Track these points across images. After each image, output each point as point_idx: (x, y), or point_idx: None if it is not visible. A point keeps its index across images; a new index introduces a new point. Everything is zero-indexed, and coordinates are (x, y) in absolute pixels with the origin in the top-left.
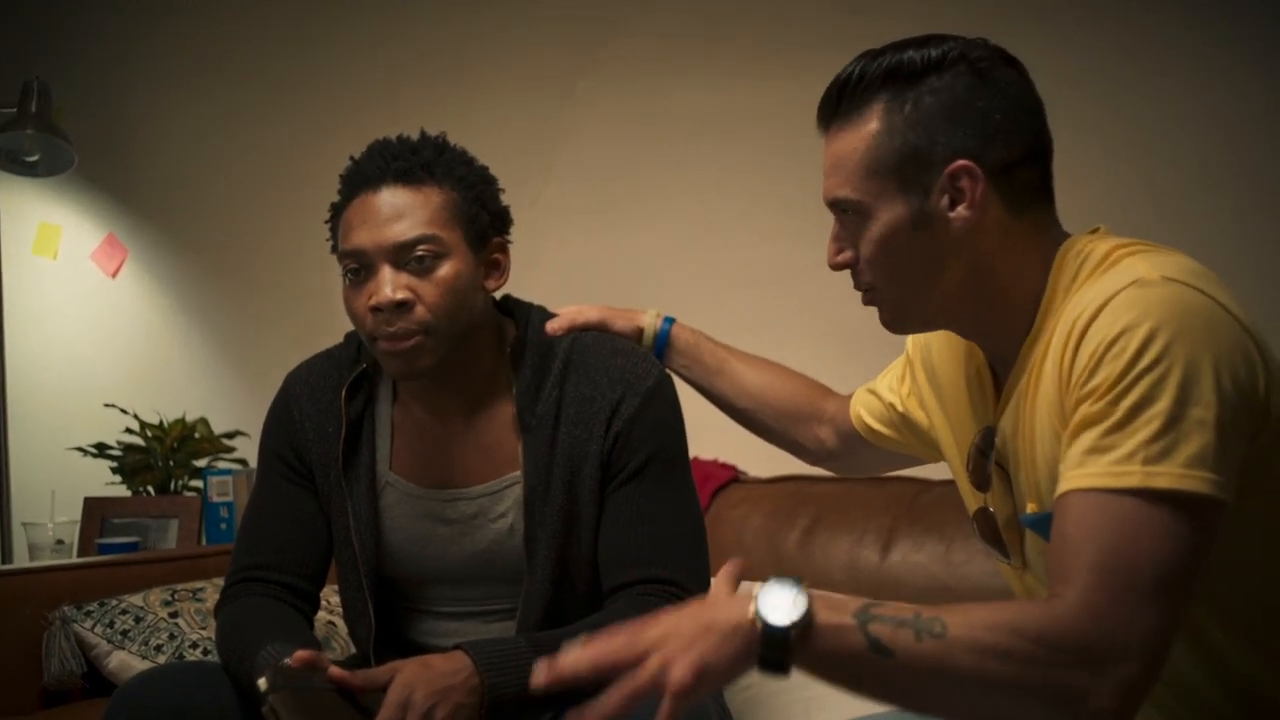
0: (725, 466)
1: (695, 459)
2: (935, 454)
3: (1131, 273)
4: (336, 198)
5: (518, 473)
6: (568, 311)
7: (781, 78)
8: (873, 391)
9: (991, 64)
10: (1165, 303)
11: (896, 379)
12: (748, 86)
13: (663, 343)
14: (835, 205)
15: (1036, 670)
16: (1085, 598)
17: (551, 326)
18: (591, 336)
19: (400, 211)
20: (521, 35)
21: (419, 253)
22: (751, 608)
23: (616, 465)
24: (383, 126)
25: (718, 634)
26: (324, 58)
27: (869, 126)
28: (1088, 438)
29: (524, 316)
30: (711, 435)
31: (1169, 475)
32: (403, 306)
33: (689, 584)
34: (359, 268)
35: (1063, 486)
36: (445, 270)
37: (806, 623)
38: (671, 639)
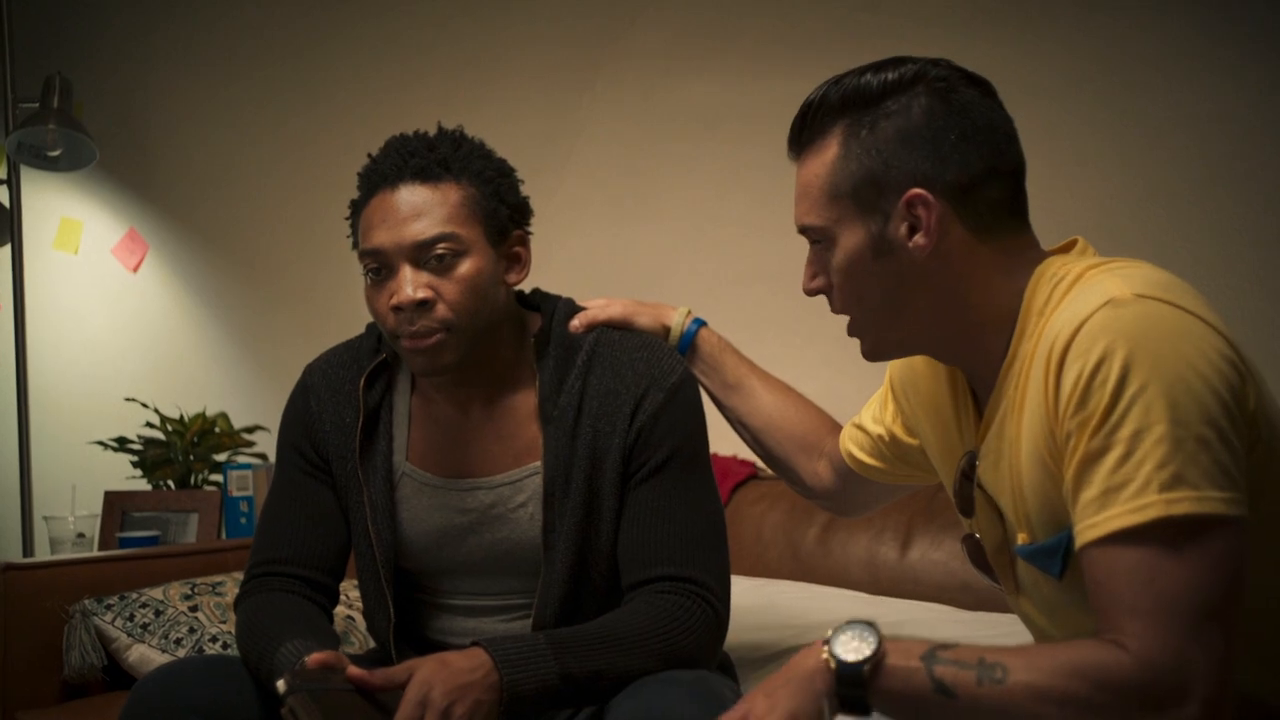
0: (744, 463)
1: (714, 455)
2: (929, 474)
3: (1104, 292)
4: (356, 193)
5: (537, 463)
6: (593, 305)
7: (794, 74)
8: (859, 426)
9: (950, 85)
10: (1141, 321)
11: (879, 408)
12: (760, 83)
13: (687, 345)
14: (804, 232)
15: (1095, 716)
16: (1140, 644)
17: (573, 325)
18: (617, 331)
19: (419, 210)
20: (534, 31)
21: (439, 251)
22: (825, 651)
23: (638, 461)
24: (398, 121)
25: (798, 682)
26: (340, 53)
27: (829, 152)
28: (1097, 479)
29: (550, 308)
30: (731, 431)
31: (1186, 500)
32: (424, 305)
33: (709, 582)
34: (379, 267)
35: (1085, 537)
36: (465, 267)
37: (878, 660)
38: (759, 698)
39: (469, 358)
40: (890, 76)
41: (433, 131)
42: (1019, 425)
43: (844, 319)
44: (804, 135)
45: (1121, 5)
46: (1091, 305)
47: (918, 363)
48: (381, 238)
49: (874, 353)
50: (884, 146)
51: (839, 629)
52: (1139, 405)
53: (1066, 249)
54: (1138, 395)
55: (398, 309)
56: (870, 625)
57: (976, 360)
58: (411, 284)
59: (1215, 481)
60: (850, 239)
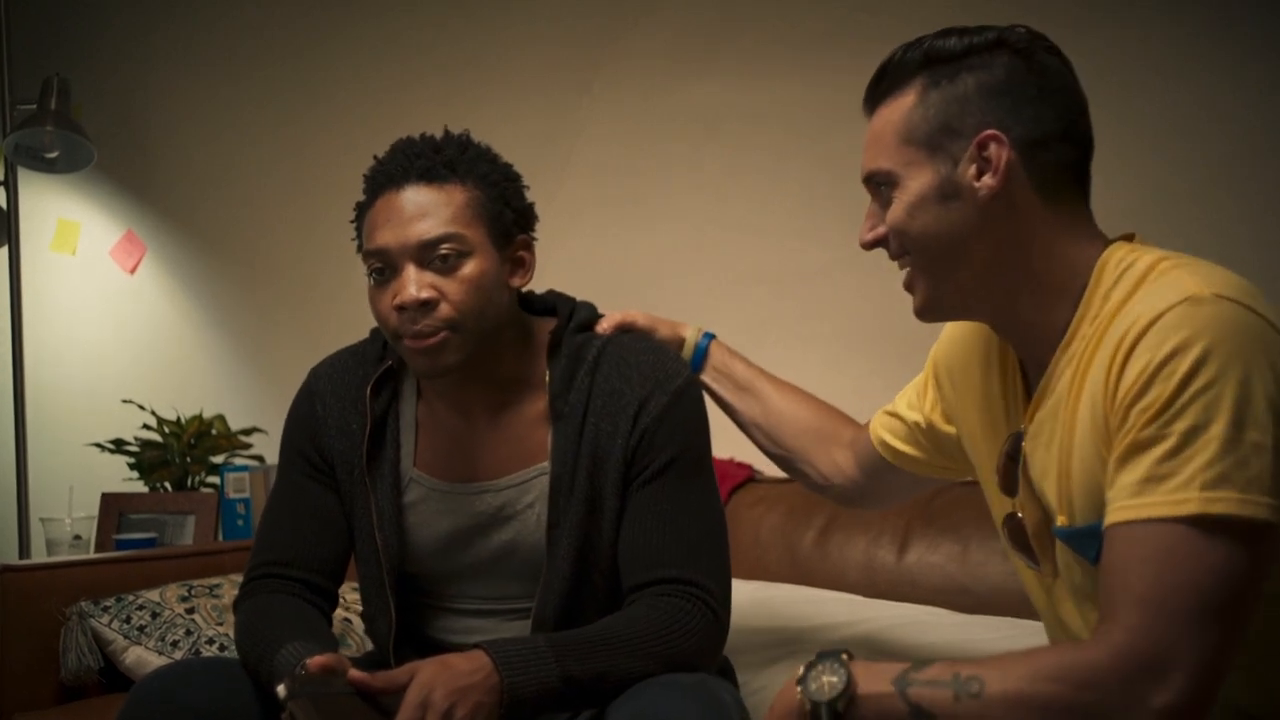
0: (742, 466)
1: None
2: (963, 468)
3: (1182, 288)
4: (356, 194)
5: (545, 463)
6: (616, 314)
7: (795, 75)
8: (892, 413)
9: (1033, 48)
10: (1218, 321)
11: (917, 395)
12: (761, 84)
13: (699, 356)
14: (870, 180)
15: (1078, 717)
16: (1127, 632)
17: (601, 326)
18: (629, 335)
19: (423, 210)
20: (534, 31)
21: (443, 251)
22: (798, 689)
23: (641, 463)
24: (399, 122)
25: None
26: (340, 53)
27: (906, 100)
28: (1141, 465)
29: (568, 308)
30: (729, 434)
31: (1227, 500)
32: (427, 305)
33: (709, 585)
34: (383, 267)
35: (1116, 517)
36: (469, 268)
37: (850, 695)
38: None
39: (471, 359)
40: (975, 39)
41: (439, 134)
42: (1074, 408)
43: (845, 320)
44: (880, 88)
45: (1120, 7)
46: (1170, 300)
47: (970, 341)
48: (386, 237)
49: (926, 308)
50: (963, 97)
51: (810, 664)
52: (1200, 402)
53: (1126, 239)
54: (1201, 392)
55: (401, 309)
56: (838, 656)
57: (1031, 331)
58: (415, 284)
59: (1262, 487)
60: (917, 181)
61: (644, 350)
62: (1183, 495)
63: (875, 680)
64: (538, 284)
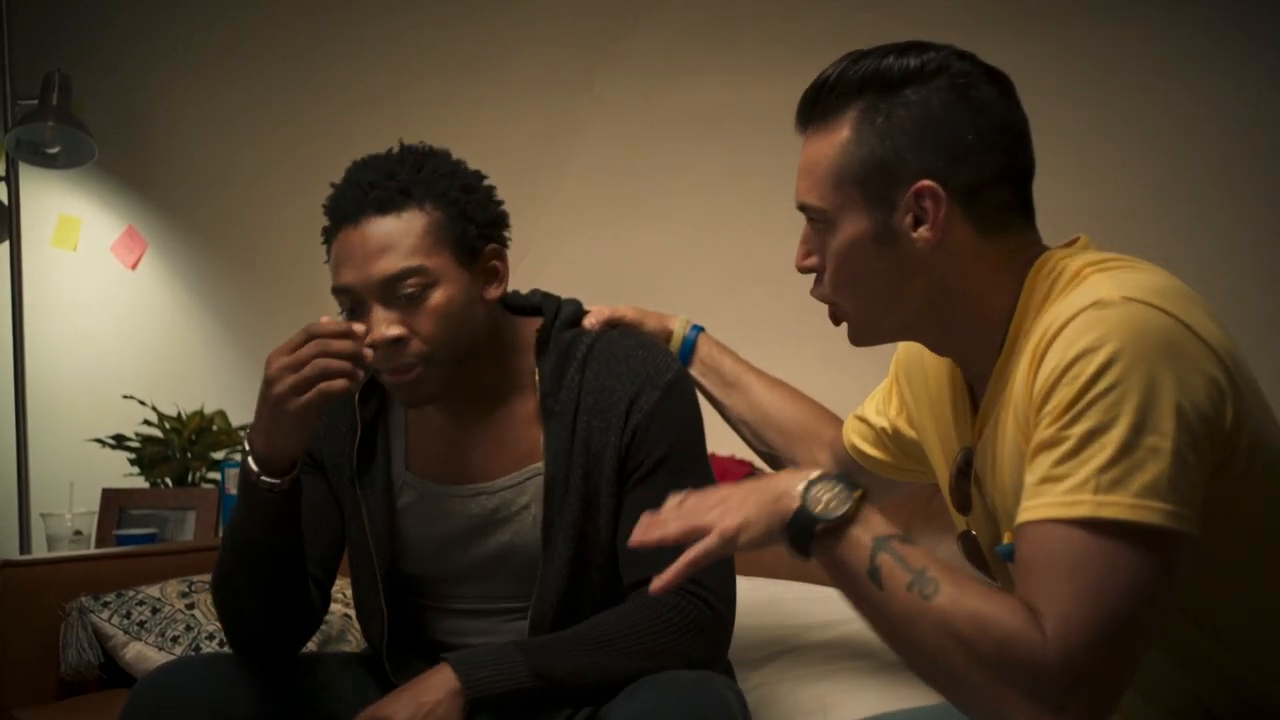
0: (741, 462)
1: (711, 455)
2: (931, 472)
3: (1093, 292)
4: None
5: (539, 464)
6: (603, 308)
7: (794, 74)
8: (861, 417)
9: (971, 81)
10: (1124, 324)
11: (883, 400)
12: (760, 83)
13: (687, 349)
14: (804, 210)
15: (983, 670)
16: (1054, 630)
17: (588, 321)
18: (617, 330)
19: (382, 245)
20: (534, 31)
21: (408, 289)
22: (801, 486)
23: (635, 460)
24: (399, 121)
25: (766, 497)
26: (341, 52)
27: (841, 134)
28: (1041, 466)
29: (553, 307)
30: (727, 431)
31: (1119, 506)
32: (398, 343)
33: (706, 580)
34: (353, 306)
35: (1019, 517)
36: (436, 298)
37: (837, 525)
38: (734, 496)
39: (454, 383)
40: (912, 63)
41: (396, 148)
42: (1005, 423)
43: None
44: (815, 110)
45: (1121, 7)
46: (1079, 305)
47: (924, 359)
48: (349, 276)
49: (859, 337)
50: (899, 136)
51: (828, 477)
52: (1100, 405)
53: (1068, 245)
54: (1102, 395)
55: (373, 346)
56: (854, 489)
57: (972, 353)
58: (384, 323)
59: (1157, 493)
60: (852, 226)
61: (633, 346)
62: (1076, 498)
63: (866, 528)
64: (540, 279)
